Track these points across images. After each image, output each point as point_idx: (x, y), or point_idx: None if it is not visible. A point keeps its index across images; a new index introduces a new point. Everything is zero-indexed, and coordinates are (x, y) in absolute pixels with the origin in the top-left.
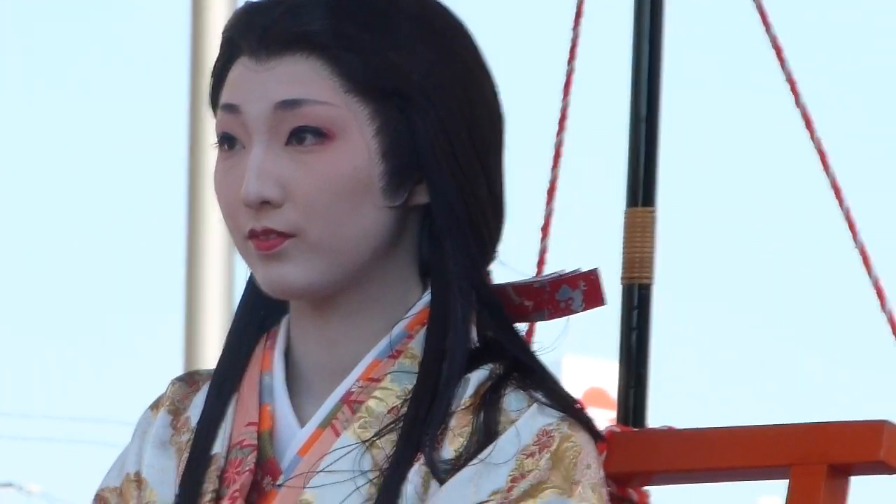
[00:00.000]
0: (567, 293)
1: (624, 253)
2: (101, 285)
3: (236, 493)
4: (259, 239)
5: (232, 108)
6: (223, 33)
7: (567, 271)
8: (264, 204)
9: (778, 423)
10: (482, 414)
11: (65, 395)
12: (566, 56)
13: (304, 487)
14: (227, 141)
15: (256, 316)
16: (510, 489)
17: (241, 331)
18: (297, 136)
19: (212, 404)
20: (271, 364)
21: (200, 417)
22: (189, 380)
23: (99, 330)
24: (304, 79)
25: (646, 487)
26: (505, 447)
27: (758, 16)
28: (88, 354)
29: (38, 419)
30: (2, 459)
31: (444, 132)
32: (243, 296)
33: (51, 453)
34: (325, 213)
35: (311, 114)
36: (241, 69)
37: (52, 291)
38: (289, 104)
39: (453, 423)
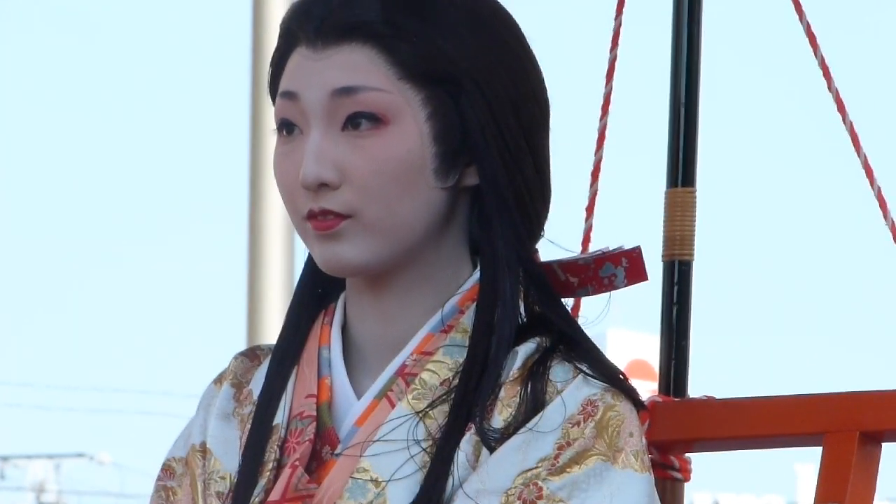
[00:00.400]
0: (610, 270)
1: (665, 231)
2: (171, 267)
3: (296, 462)
4: (317, 220)
5: (291, 95)
6: (282, 24)
7: (610, 249)
8: (322, 186)
9: (812, 392)
10: (530, 385)
11: (134, 370)
12: (609, 44)
13: (361, 456)
14: (285, 127)
15: (314, 293)
16: (557, 456)
17: (300, 307)
18: (353, 121)
19: (273, 377)
20: (329, 339)
21: (262, 390)
22: (251, 354)
23: (167, 309)
24: (359, 67)
25: (687, 455)
26: (552, 416)
27: (792, 5)
28: (158, 331)
29: (109, 392)
30: (75, 431)
31: (492, 117)
32: (302, 274)
33: (121, 425)
34: (380, 195)
35: (366, 100)
36: (299, 58)
37: (124, 273)
38: (345, 91)
39: (502, 393)
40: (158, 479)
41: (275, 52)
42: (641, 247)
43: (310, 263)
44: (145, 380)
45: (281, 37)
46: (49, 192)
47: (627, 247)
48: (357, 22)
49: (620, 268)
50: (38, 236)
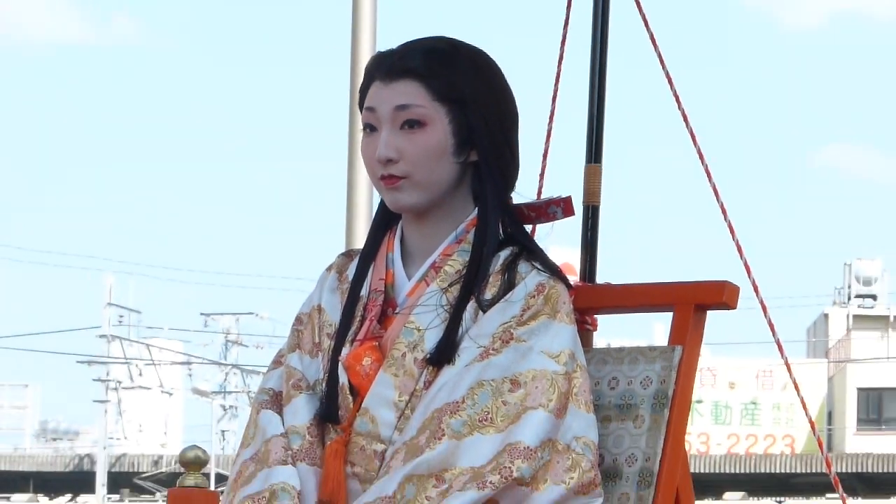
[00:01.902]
0: (554, 209)
1: (584, 187)
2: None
3: (372, 316)
4: (386, 180)
5: (371, 109)
6: (366, 69)
7: (554, 197)
8: (389, 161)
9: (668, 281)
10: (506, 275)
11: (281, 262)
12: (554, 73)
13: (410, 314)
14: (368, 128)
15: (384, 221)
16: (521, 315)
17: (376, 229)
18: (407, 124)
19: (361, 268)
20: (392, 247)
21: (354, 275)
22: (348, 254)
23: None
24: (410, 92)
25: (595, 315)
26: (519, 293)
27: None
28: (303, 244)
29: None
30: (246, 296)
31: (485, 122)
32: (377, 209)
33: (272, 294)
34: (423, 166)
35: (414, 112)
36: (375, 88)
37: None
38: (401, 107)
39: (490, 280)
40: (294, 325)
41: (362, 86)
42: (571, 196)
43: (382, 204)
44: (288, 269)
45: (366, 74)
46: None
47: (563, 195)
48: (408, 67)
49: (559, 208)
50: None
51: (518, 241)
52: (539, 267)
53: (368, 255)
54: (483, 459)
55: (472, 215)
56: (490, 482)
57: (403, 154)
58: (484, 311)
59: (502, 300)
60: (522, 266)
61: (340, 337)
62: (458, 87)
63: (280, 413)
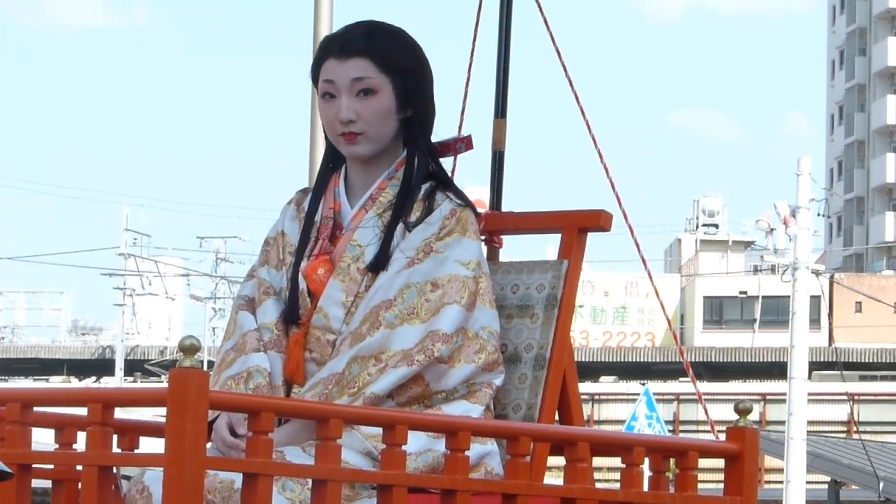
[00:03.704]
0: (460, 145)
1: (493, 136)
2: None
3: (325, 237)
4: (347, 136)
5: (330, 81)
6: (319, 49)
7: (459, 136)
8: (350, 122)
9: (559, 210)
10: (427, 202)
11: (257, 196)
12: (470, 41)
13: (353, 234)
14: (328, 95)
15: (329, 165)
16: (439, 233)
17: (323, 172)
18: (362, 92)
19: (313, 201)
20: (339, 184)
21: (308, 206)
22: (304, 191)
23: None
24: (362, 67)
25: (501, 236)
26: (436, 216)
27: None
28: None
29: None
30: (232, 223)
31: (418, 87)
32: (324, 157)
33: (246, 221)
34: (375, 125)
35: (367, 83)
36: (331, 64)
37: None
38: (357, 79)
39: (415, 206)
40: (263, 246)
41: (315, 62)
42: (471, 135)
43: (327, 153)
44: (261, 200)
45: (319, 54)
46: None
47: (465, 135)
48: (360, 47)
49: (463, 144)
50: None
51: (437, 177)
52: (451, 196)
53: (318, 191)
54: (411, 343)
55: (400, 157)
56: (416, 360)
57: (360, 115)
58: (410, 231)
59: (424, 222)
60: (439, 196)
61: (299, 253)
62: (398, 61)
63: (254, 314)
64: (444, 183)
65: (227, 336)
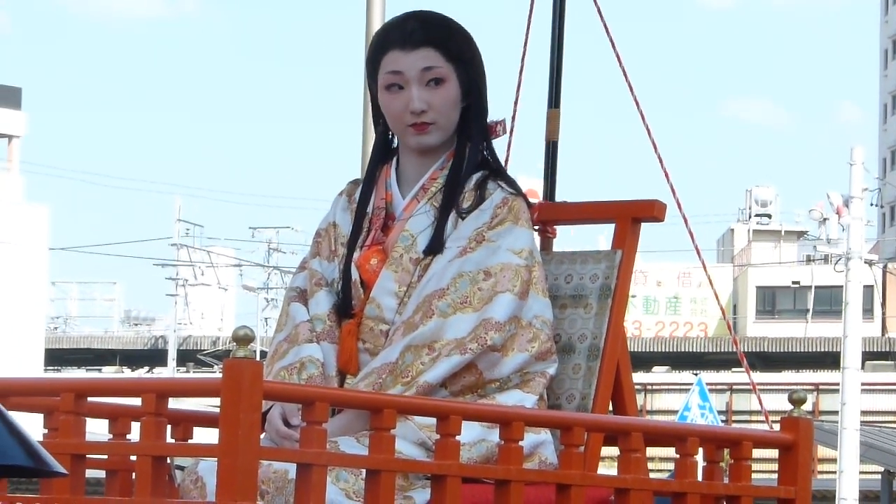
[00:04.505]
0: (500, 129)
1: (547, 126)
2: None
3: (377, 227)
4: (418, 127)
5: (397, 73)
6: (378, 42)
7: (498, 120)
8: (422, 112)
9: (612, 199)
10: (478, 191)
11: (310, 186)
12: (523, 35)
13: (405, 224)
14: (396, 87)
15: (380, 156)
16: (491, 221)
17: (374, 163)
18: (433, 81)
19: (364, 192)
20: (390, 174)
21: (359, 197)
22: (354, 182)
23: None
24: (431, 57)
25: (555, 226)
26: (489, 205)
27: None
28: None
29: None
30: (284, 213)
31: (477, 76)
32: (374, 149)
33: (305, 211)
34: (445, 114)
35: (436, 72)
36: (396, 55)
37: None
38: (427, 69)
39: (466, 195)
40: (314, 238)
41: (373, 55)
42: (506, 119)
43: (378, 143)
44: (313, 191)
45: (378, 46)
46: None
47: (500, 119)
48: (427, 37)
49: (501, 126)
50: None
51: (489, 165)
52: (503, 185)
53: (369, 182)
54: (464, 332)
55: (452, 147)
56: (469, 348)
57: (432, 105)
58: (462, 219)
59: (476, 210)
60: (491, 185)
61: (352, 244)
62: (461, 50)
63: (306, 305)
64: (496, 172)
65: (279, 328)
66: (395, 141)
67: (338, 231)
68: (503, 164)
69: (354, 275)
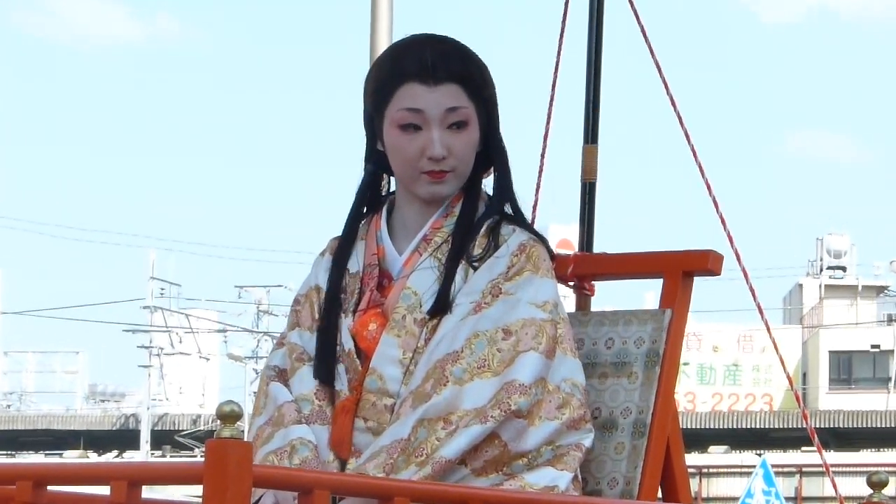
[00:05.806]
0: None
1: (582, 165)
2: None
3: (372, 286)
4: (434, 174)
5: (416, 111)
6: (393, 69)
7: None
8: (442, 159)
9: (656, 250)
10: (491, 237)
11: (305, 239)
12: (553, 68)
13: (406, 281)
14: (412, 127)
15: (361, 209)
16: (507, 271)
17: (353, 217)
18: (455, 125)
19: (343, 248)
20: (381, 226)
21: (335, 254)
22: (338, 239)
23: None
24: (455, 95)
25: (593, 281)
26: (504, 252)
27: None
28: (321, 223)
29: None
30: (275, 269)
31: (496, 115)
32: (355, 200)
33: (301, 266)
34: (465, 161)
35: (461, 114)
36: (416, 90)
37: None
38: (452, 109)
39: (477, 242)
40: (292, 307)
41: (386, 84)
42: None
43: (364, 186)
44: (304, 243)
45: (394, 75)
46: None
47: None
48: (450, 72)
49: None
50: None
51: (501, 210)
52: (519, 229)
53: (348, 237)
54: (484, 400)
55: (456, 191)
56: (491, 416)
57: (452, 151)
58: (474, 269)
59: (489, 259)
60: (505, 229)
61: (335, 307)
62: (482, 85)
63: (287, 385)
64: (508, 216)
65: (256, 411)
66: (390, 185)
67: (322, 296)
68: (531, 211)
69: (349, 343)
